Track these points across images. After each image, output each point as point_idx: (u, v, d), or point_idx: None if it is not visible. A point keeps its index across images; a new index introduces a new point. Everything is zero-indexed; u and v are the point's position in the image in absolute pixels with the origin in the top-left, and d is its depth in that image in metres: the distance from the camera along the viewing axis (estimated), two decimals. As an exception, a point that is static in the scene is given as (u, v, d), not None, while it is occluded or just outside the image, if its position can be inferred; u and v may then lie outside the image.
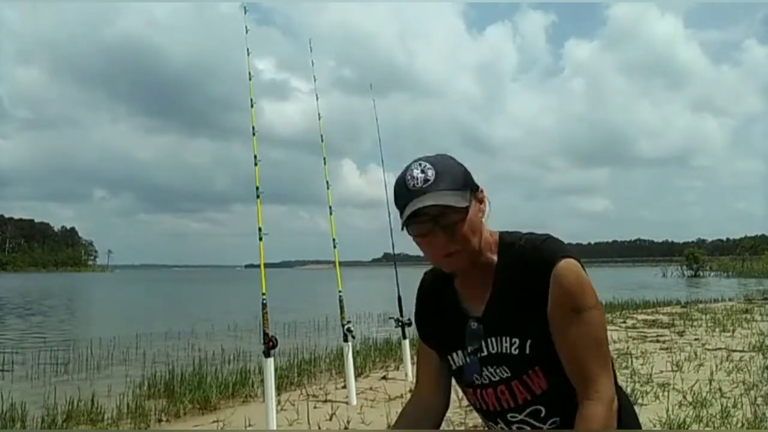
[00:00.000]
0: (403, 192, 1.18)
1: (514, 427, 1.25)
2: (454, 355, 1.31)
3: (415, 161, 1.21)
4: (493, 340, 1.24)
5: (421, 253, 1.33)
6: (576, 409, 1.16)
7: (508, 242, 1.25)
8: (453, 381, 1.38)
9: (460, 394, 1.40)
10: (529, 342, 1.19)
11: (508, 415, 1.25)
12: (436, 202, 1.13)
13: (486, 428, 1.35)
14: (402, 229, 1.19)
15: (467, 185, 1.20)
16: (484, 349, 1.25)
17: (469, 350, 1.27)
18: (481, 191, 1.23)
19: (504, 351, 1.22)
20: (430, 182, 1.16)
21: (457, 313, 1.30)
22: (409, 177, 1.18)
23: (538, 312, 1.17)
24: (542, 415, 1.22)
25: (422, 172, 1.18)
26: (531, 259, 1.19)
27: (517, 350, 1.20)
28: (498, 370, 1.24)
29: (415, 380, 1.50)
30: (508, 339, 1.21)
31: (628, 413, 1.29)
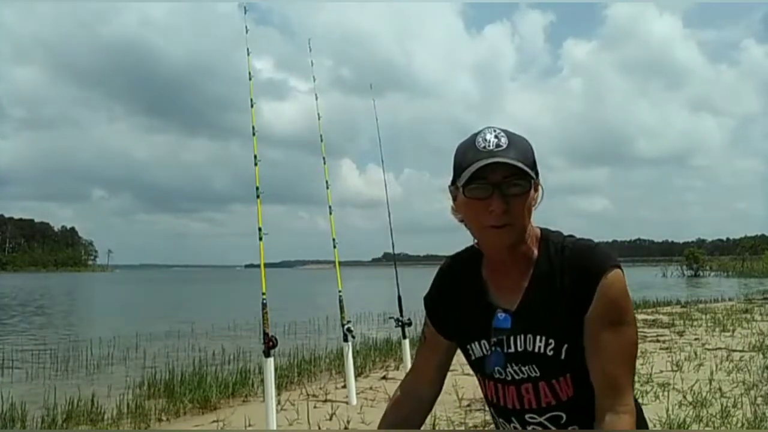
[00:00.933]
0: (471, 152, 1.15)
1: (530, 428, 1.23)
2: (475, 345, 1.26)
3: (488, 127, 1.18)
4: (524, 337, 1.20)
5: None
6: (593, 420, 1.16)
7: (551, 239, 1.22)
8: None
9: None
10: (566, 346, 1.16)
11: (527, 416, 1.22)
12: (509, 161, 1.10)
13: (485, 428, 1.35)
14: (459, 189, 1.15)
15: (534, 167, 1.17)
16: (512, 345, 1.21)
17: (493, 341, 1.23)
18: (538, 181, 1.19)
19: (536, 350, 1.18)
20: (502, 148, 1.13)
21: (483, 303, 1.25)
22: (480, 139, 1.15)
23: (577, 317, 1.15)
24: (562, 421, 1.20)
25: (496, 137, 1.15)
26: (580, 263, 1.16)
27: (552, 352, 1.17)
28: (525, 369, 1.20)
29: (412, 365, 1.46)
30: (543, 339, 1.17)
31: (640, 418, 1.27)
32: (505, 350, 1.21)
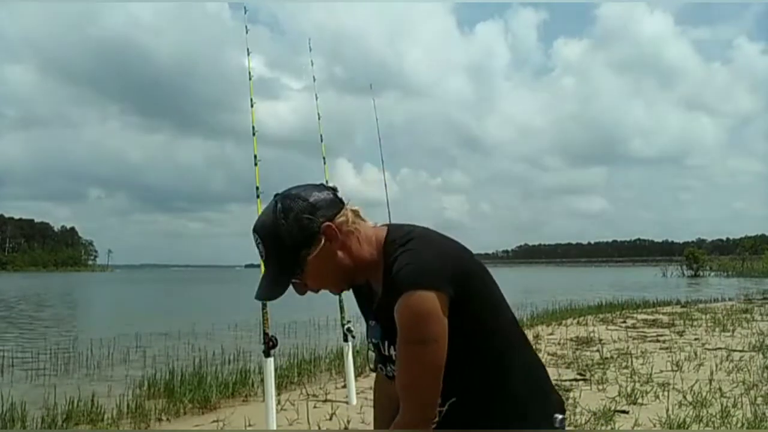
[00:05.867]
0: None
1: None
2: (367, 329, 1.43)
3: (254, 229, 1.31)
4: (385, 346, 1.33)
5: None
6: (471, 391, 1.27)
7: (388, 249, 1.29)
8: None
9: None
10: None
11: None
12: (265, 299, 1.35)
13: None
14: None
15: (296, 246, 1.26)
16: (385, 350, 1.34)
17: (370, 344, 1.39)
18: (327, 227, 1.26)
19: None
20: (263, 259, 1.32)
21: (369, 294, 1.38)
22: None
23: None
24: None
25: (257, 246, 1.31)
26: (392, 282, 1.23)
27: None
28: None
29: None
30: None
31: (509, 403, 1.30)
32: (381, 353, 1.35)
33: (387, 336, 1.31)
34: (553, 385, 1.42)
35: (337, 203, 1.31)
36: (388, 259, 1.26)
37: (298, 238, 1.25)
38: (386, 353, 1.33)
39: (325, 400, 4.56)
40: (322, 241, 1.26)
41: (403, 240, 1.27)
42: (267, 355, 3.57)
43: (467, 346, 1.24)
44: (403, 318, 1.18)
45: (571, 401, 4.01)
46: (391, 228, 1.34)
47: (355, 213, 1.33)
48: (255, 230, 1.31)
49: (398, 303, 1.18)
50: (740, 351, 6.13)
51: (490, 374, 1.28)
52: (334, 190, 1.34)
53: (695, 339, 7.24)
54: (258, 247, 1.32)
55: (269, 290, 1.31)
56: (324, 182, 1.40)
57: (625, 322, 9.57)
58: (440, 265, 1.22)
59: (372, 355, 1.41)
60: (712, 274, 39.66)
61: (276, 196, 1.32)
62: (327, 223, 1.26)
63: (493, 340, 1.29)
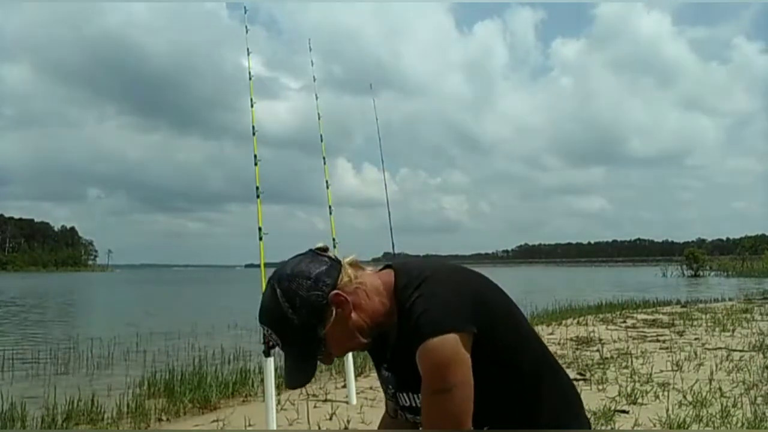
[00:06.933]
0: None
1: None
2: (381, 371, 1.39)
3: (262, 322, 1.27)
4: (407, 394, 1.29)
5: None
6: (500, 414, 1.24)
7: (400, 296, 1.24)
8: None
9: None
10: None
11: None
12: (297, 387, 1.30)
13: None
14: None
15: (311, 327, 1.21)
16: (402, 399, 1.30)
17: (389, 391, 1.34)
18: (335, 296, 1.21)
19: (418, 405, 1.24)
20: (279, 347, 1.27)
21: (381, 339, 1.31)
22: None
23: None
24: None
25: (269, 336, 1.28)
26: (411, 330, 1.19)
27: None
28: (418, 417, 1.27)
29: None
30: (419, 396, 1.24)
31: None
32: (399, 403, 1.31)
33: (403, 386, 1.28)
34: (582, 401, 1.40)
35: (335, 266, 1.25)
36: (402, 305, 1.22)
37: (310, 318, 1.20)
38: (405, 404, 1.30)
39: (325, 400, 4.56)
40: (334, 312, 1.21)
41: (416, 282, 1.23)
42: (267, 354, 3.56)
43: (500, 373, 1.22)
44: (425, 367, 1.15)
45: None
46: (399, 270, 1.29)
47: (353, 265, 1.28)
48: (262, 322, 1.26)
49: (419, 352, 1.15)
50: (740, 351, 6.13)
51: (527, 397, 1.26)
52: (324, 250, 1.28)
53: (695, 339, 7.23)
54: (271, 338, 1.26)
55: (298, 377, 1.27)
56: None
57: (625, 322, 9.56)
58: (459, 301, 1.19)
59: (390, 403, 1.37)
60: (712, 274, 39.61)
61: (270, 280, 1.25)
62: (334, 291, 1.21)
63: (524, 362, 1.26)
